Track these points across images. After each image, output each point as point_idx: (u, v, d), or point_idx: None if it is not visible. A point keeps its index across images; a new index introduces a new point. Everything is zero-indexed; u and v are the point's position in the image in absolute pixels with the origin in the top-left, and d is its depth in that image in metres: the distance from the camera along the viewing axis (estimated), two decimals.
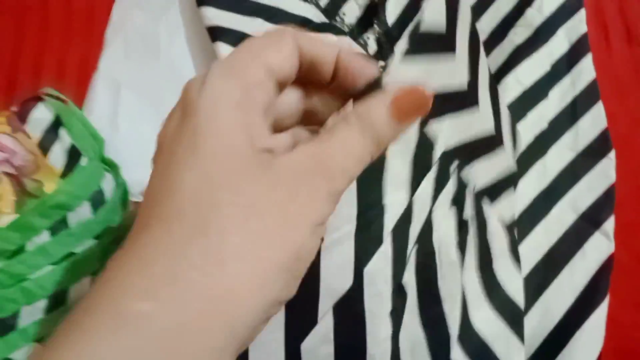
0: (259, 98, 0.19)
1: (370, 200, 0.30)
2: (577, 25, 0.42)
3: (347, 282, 0.29)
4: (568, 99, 0.40)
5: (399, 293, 0.30)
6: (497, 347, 0.32)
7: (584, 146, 0.39)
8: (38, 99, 0.42)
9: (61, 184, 0.35)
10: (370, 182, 0.30)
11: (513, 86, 0.38)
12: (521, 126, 0.38)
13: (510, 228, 0.36)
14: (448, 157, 0.33)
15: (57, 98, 0.42)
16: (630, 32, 0.46)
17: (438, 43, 0.32)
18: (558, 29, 0.41)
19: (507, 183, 0.36)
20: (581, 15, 0.42)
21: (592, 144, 0.39)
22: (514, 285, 0.34)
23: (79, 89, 0.46)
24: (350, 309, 0.29)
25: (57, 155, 0.40)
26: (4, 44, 0.51)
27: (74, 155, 0.40)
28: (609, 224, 0.37)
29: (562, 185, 0.38)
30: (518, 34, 0.40)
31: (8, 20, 0.52)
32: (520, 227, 0.37)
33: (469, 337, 0.31)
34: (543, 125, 0.39)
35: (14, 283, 0.32)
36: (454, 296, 0.31)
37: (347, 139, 0.20)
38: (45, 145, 0.40)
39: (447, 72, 0.32)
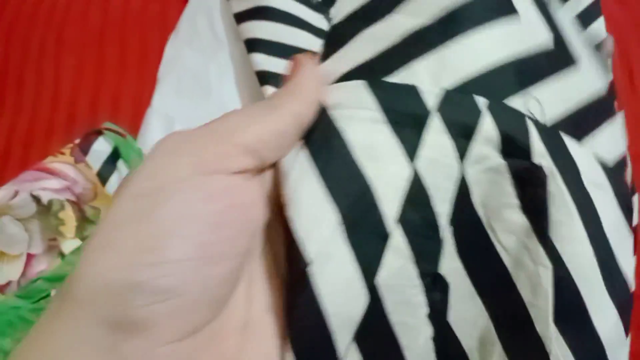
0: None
1: (350, 189, 0.21)
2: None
3: (360, 301, 0.21)
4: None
5: (434, 287, 0.22)
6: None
7: None
8: (98, 132, 0.46)
9: None
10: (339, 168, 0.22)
11: None
12: None
13: (616, 170, 0.25)
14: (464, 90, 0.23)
15: (116, 132, 0.45)
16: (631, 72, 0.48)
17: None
18: None
19: (596, 113, 0.26)
20: (608, 64, 0.45)
21: None
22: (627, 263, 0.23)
23: (133, 123, 0.50)
24: (376, 332, 0.21)
25: (115, 185, 0.44)
26: (64, 79, 0.55)
27: None
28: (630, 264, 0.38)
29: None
30: None
31: (68, 57, 0.56)
32: None
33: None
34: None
35: None
36: (531, 277, 0.21)
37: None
38: (104, 175, 0.44)
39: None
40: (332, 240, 0.21)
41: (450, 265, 0.22)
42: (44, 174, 0.44)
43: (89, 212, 0.43)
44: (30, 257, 0.42)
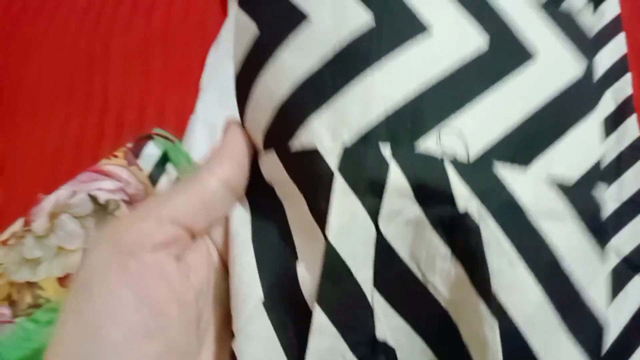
0: None
1: (275, 264, 0.21)
2: (624, 87, 0.47)
3: None
4: (614, 154, 0.45)
5: (373, 355, 0.20)
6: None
7: (627, 197, 0.44)
8: (149, 137, 0.49)
9: None
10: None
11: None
12: None
13: (581, 187, 0.20)
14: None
15: (165, 137, 0.49)
16: None
17: None
18: (606, 91, 0.46)
19: (554, 121, 0.21)
20: (627, 78, 0.47)
21: (634, 196, 0.43)
22: None
23: (178, 129, 0.54)
24: None
25: (164, 186, 0.48)
26: (112, 87, 0.59)
27: None
28: None
29: (608, 232, 0.43)
30: None
31: (115, 66, 0.60)
32: None
33: None
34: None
35: None
36: (477, 336, 0.19)
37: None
38: (154, 177, 0.48)
39: None
40: (256, 318, 0.19)
41: (392, 324, 0.20)
42: (99, 176, 0.47)
43: None
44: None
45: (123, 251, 0.18)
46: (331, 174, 0.19)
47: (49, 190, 0.48)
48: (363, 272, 0.19)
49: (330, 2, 0.20)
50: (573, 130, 0.20)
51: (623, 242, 0.42)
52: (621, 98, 0.47)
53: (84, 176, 0.47)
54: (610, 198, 0.44)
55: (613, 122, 0.46)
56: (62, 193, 0.46)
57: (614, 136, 0.46)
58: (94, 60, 0.61)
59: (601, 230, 0.19)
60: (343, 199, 0.19)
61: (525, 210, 0.19)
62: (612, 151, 0.45)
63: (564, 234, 0.19)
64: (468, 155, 0.19)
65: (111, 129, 0.56)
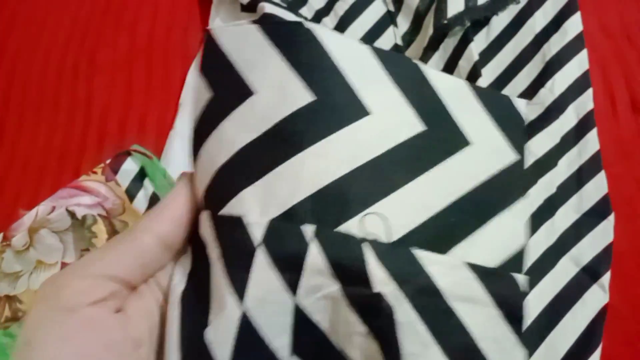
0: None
1: (193, 331, 0.21)
2: (586, 102, 0.48)
3: None
4: (575, 166, 0.46)
5: None
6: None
7: (587, 208, 0.45)
8: (127, 153, 0.51)
9: None
10: None
11: (526, 157, 0.45)
12: (534, 190, 0.45)
13: (501, 273, 0.22)
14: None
15: (143, 153, 0.51)
16: (635, 102, 0.52)
17: None
18: (568, 106, 0.48)
19: (476, 210, 0.22)
20: (589, 93, 0.49)
21: (594, 207, 0.45)
22: None
23: (158, 142, 0.55)
24: None
25: (141, 201, 0.49)
26: (96, 99, 0.61)
27: (155, 201, 0.49)
28: (606, 278, 0.42)
29: (568, 242, 0.44)
30: (532, 111, 0.47)
31: (99, 79, 0.62)
32: (531, 278, 0.43)
33: None
34: (552, 189, 0.45)
35: None
36: None
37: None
38: (131, 192, 0.49)
39: None
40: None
41: None
42: (78, 191, 0.49)
43: (118, 225, 0.48)
44: (64, 265, 0.47)
45: (62, 309, 0.19)
46: (252, 244, 0.20)
47: (34, 202, 0.50)
48: (279, 339, 0.20)
49: (277, 81, 0.21)
50: (496, 219, 0.21)
51: (583, 252, 0.44)
52: (583, 113, 0.48)
53: (63, 192, 0.49)
54: (571, 209, 0.45)
55: (575, 136, 0.47)
56: (41, 209, 0.48)
57: (575, 149, 0.47)
58: (80, 72, 0.63)
59: (519, 317, 0.20)
60: (262, 272, 0.20)
61: (442, 293, 0.20)
62: (574, 164, 0.46)
63: (480, 317, 0.20)
64: (390, 238, 0.20)
65: (93, 142, 0.58)
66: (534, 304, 0.42)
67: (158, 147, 0.55)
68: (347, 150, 0.20)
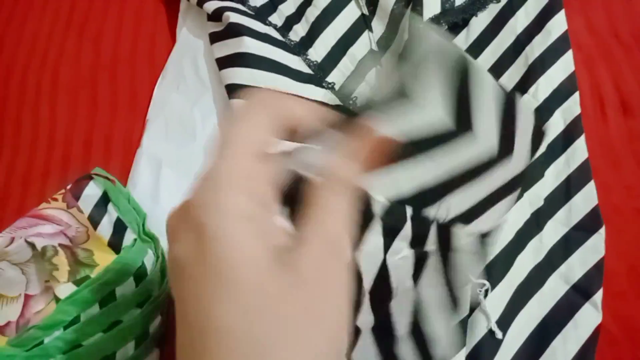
0: (264, 188, 0.21)
1: None
2: (572, 106, 0.46)
3: None
4: (562, 177, 0.44)
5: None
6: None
7: (576, 222, 0.42)
8: (89, 177, 0.48)
9: (110, 264, 0.40)
10: None
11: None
12: (520, 204, 0.42)
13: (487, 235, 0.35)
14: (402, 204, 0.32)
15: (106, 177, 0.48)
16: (625, 104, 0.49)
17: None
18: (554, 112, 0.45)
19: (483, 205, 0.34)
20: (575, 97, 0.46)
21: (584, 220, 0.42)
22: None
23: (125, 161, 0.53)
24: None
25: (105, 227, 0.46)
26: (59, 120, 0.58)
27: (119, 227, 0.46)
28: (598, 296, 0.40)
29: (556, 259, 0.42)
30: None
31: (62, 98, 0.59)
32: (517, 299, 0.40)
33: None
34: (540, 202, 0.43)
35: (70, 349, 0.38)
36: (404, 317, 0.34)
37: (331, 205, 0.21)
38: (95, 219, 0.47)
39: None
40: None
41: (364, 318, 0.33)
42: (39, 220, 0.46)
43: (81, 254, 0.45)
44: (27, 298, 0.45)
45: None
46: (372, 215, 0.32)
47: None
48: (366, 281, 0.32)
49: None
50: (491, 209, 0.34)
51: (573, 268, 0.41)
52: (570, 118, 0.45)
53: (22, 222, 0.46)
54: (559, 223, 0.43)
55: (562, 144, 0.45)
56: (0, 240, 0.45)
57: (562, 158, 0.44)
58: (42, 92, 0.60)
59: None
60: (373, 236, 0.32)
61: (454, 246, 0.33)
62: (561, 174, 0.44)
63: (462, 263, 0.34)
64: (445, 219, 0.32)
65: (58, 164, 0.55)
66: (522, 327, 0.39)
67: (125, 167, 0.52)
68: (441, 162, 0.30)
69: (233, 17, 0.49)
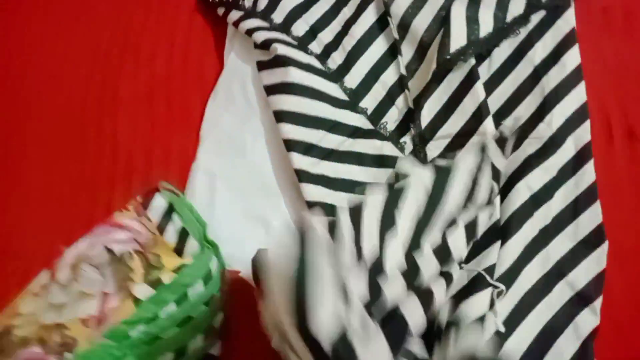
0: None
1: None
2: (583, 134, 0.51)
3: None
4: (571, 197, 0.50)
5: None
6: None
7: (582, 237, 0.49)
8: (156, 190, 0.55)
9: (186, 268, 0.48)
10: None
11: (523, 192, 0.49)
12: (529, 224, 0.48)
13: None
14: None
15: (171, 190, 0.55)
16: (632, 130, 0.55)
17: None
18: (567, 138, 0.51)
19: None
20: (586, 125, 0.52)
21: (589, 236, 0.48)
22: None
23: (181, 173, 0.60)
24: None
25: (171, 234, 0.54)
26: (121, 133, 0.65)
27: (183, 235, 0.53)
28: (598, 302, 0.46)
29: (564, 268, 0.48)
30: (531, 145, 0.50)
31: (123, 113, 0.66)
32: (523, 306, 0.47)
33: None
34: (547, 221, 0.49)
35: (151, 341, 0.45)
36: None
37: None
38: (162, 227, 0.54)
39: None
40: None
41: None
42: (113, 228, 0.54)
43: (151, 258, 0.53)
44: (105, 295, 0.52)
45: None
46: None
47: (71, 235, 0.54)
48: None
49: None
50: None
51: (578, 277, 0.48)
52: (580, 144, 0.51)
53: (99, 229, 0.53)
54: (567, 238, 0.49)
55: (572, 168, 0.50)
56: (81, 246, 0.53)
57: (572, 181, 0.50)
58: (104, 106, 0.67)
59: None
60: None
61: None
62: (570, 195, 0.50)
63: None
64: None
65: (122, 175, 0.62)
66: (529, 330, 0.46)
67: (182, 179, 0.59)
68: None
69: (280, 49, 0.55)
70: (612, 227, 0.49)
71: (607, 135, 0.55)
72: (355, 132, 0.55)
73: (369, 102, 0.58)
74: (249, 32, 0.60)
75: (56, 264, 0.52)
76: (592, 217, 0.49)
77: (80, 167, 0.64)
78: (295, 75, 0.54)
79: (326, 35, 0.61)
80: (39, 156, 0.65)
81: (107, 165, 0.63)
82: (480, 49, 0.55)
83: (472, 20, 0.55)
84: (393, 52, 0.59)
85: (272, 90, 0.55)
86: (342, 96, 0.57)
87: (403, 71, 0.58)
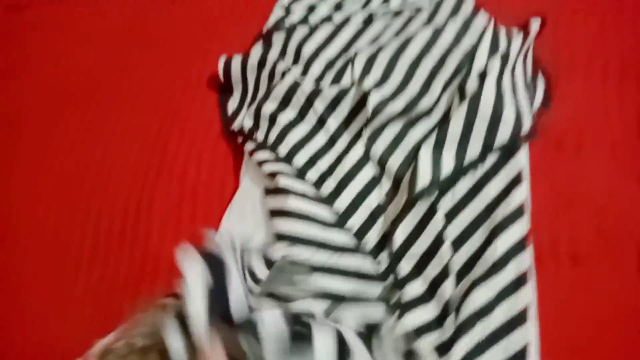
0: None
1: None
2: (523, 260, 0.62)
3: None
4: (509, 316, 0.59)
5: None
6: None
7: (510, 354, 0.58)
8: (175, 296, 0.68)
9: None
10: None
11: (466, 307, 0.59)
12: (468, 337, 0.58)
13: None
14: None
15: None
16: (575, 255, 0.65)
17: None
18: (509, 263, 0.62)
19: None
20: (527, 251, 0.62)
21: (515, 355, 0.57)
22: None
23: None
24: None
25: None
26: (152, 238, 0.78)
27: None
28: None
29: None
30: (478, 268, 0.61)
31: (154, 221, 0.80)
32: None
33: None
34: (483, 337, 0.58)
35: None
36: None
37: None
38: None
39: None
40: None
41: None
42: (137, 323, 0.66)
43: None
44: None
45: None
46: None
47: (106, 330, 0.66)
48: None
49: None
50: None
51: None
52: (521, 270, 0.61)
53: (125, 324, 0.66)
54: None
55: (513, 289, 0.60)
56: (108, 339, 0.65)
57: (512, 299, 0.60)
58: (140, 216, 0.81)
59: None
60: None
61: None
62: (509, 313, 0.60)
63: None
64: None
65: (149, 274, 0.75)
66: None
67: None
68: None
69: (282, 181, 0.69)
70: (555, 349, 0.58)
71: (555, 258, 0.65)
72: (340, 250, 0.67)
73: (355, 222, 0.70)
74: (260, 163, 0.74)
75: (86, 354, 0.64)
76: (519, 338, 0.58)
77: (115, 266, 0.77)
78: (292, 204, 0.68)
79: (322, 164, 0.75)
80: (87, 254, 0.79)
81: (136, 268, 0.77)
82: (442, 186, 0.68)
83: (436, 162, 0.68)
84: (376, 179, 0.72)
85: (274, 214, 0.69)
86: (331, 219, 0.69)
87: (382, 199, 0.71)
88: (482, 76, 0.72)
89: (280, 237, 0.66)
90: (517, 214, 0.64)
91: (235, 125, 0.84)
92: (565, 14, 0.87)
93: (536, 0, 0.90)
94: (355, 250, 0.67)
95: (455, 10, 0.84)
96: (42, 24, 1.15)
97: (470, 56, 0.77)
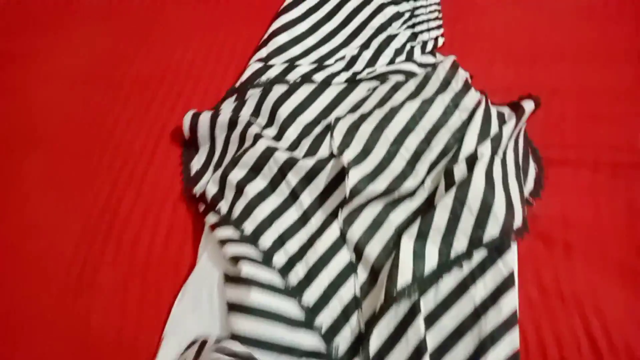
0: None
1: None
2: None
3: None
4: None
5: None
6: None
7: None
8: None
9: None
10: None
11: None
12: None
13: None
14: None
15: None
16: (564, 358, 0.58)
17: None
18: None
19: None
20: (516, 331, 0.56)
21: None
22: None
23: None
24: None
25: None
26: (95, 321, 0.68)
27: None
28: None
29: None
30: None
31: (99, 299, 0.70)
32: None
33: None
34: None
35: None
36: None
37: None
38: None
39: None
40: None
41: None
42: None
43: None
44: None
45: None
46: None
47: None
48: None
49: None
50: None
51: None
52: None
53: None
54: None
55: None
56: None
57: None
58: (83, 289, 0.71)
59: None
60: None
61: None
62: None
63: None
64: None
65: None
66: None
67: None
68: None
69: (245, 270, 0.61)
70: None
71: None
72: (307, 355, 0.59)
73: (326, 317, 0.62)
74: (221, 242, 0.66)
75: None
76: None
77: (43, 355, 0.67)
78: (255, 299, 0.59)
79: (292, 245, 0.67)
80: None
81: (76, 347, 0.66)
82: (424, 285, 0.60)
83: (419, 256, 0.61)
84: (352, 266, 0.65)
85: (233, 307, 0.60)
86: (299, 316, 0.61)
87: (357, 292, 0.63)
88: (471, 160, 0.66)
89: (239, 338, 0.57)
90: (509, 323, 0.58)
91: (197, 189, 0.76)
92: (559, 92, 0.83)
93: (527, 74, 0.87)
94: (325, 356, 0.59)
95: (445, 84, 0.78)
96: (10, 56, 1.05)
97: (459, 137, 0.71)
